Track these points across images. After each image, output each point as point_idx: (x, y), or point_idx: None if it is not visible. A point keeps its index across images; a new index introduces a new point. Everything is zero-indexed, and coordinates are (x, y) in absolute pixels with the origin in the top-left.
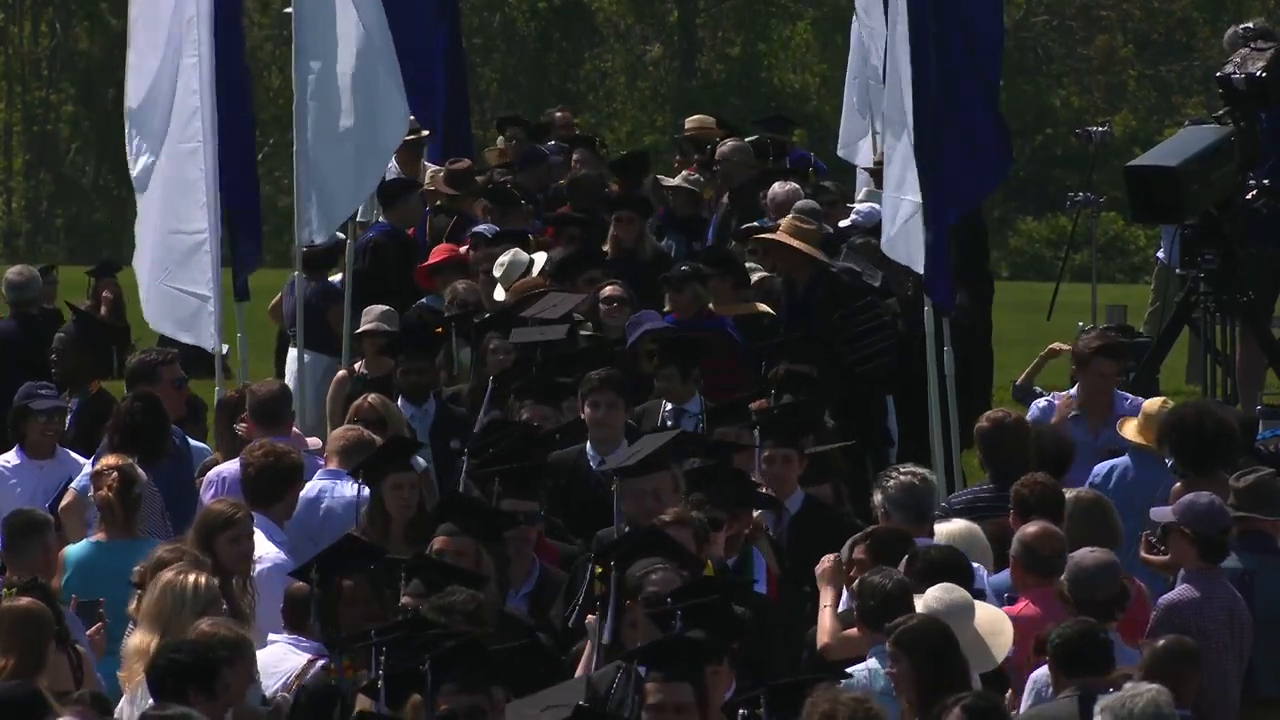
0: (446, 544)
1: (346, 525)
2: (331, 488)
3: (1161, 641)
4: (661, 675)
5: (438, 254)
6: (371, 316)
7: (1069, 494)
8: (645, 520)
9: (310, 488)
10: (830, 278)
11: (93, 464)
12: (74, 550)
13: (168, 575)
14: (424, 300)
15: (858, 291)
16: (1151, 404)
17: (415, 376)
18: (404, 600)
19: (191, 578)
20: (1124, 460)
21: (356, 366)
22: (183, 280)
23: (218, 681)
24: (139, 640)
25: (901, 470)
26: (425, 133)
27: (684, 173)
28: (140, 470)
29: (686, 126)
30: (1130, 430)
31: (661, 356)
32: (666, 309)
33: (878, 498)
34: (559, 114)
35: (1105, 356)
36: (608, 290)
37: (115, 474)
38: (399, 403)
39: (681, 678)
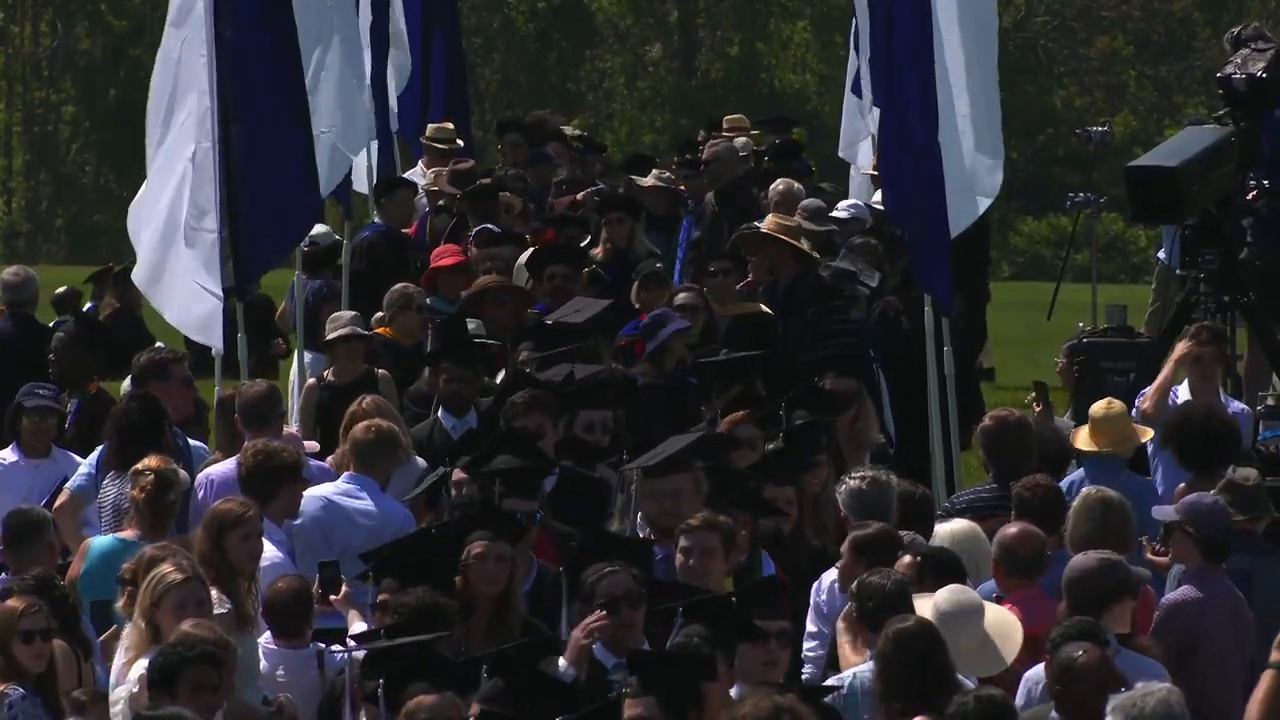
0: (487, 549)
1: (367, 534)
2: (354, 493)
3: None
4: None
5: (446, 257)
6: (342, 322)
7: (1084, 492)
8: (665, 521)
9: (332, 489)
10: (814, 276)
11: (95, 465)
12: (98, 543)
13: (150, 572)
14: (428, 300)
15: (838, 293)
16: (1097, 408)
17: (458, 386)
18: (381, 597)
19: (153, 572)
20: (1079, 473)
21: (326, 374)
22: (204, 278)
23: (180, 682)
24: (126, 638)
25: (852, 475)
26: (460, 142)
27: (655, 172)
28: (183, 475)
29: (725, 125)
30: (1082, 439)
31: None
32: (636, 306)
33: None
34: (550, 116)
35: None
36: (681, 297)
37: (151, 476)
38: (439, 414)
39: (649, 693)
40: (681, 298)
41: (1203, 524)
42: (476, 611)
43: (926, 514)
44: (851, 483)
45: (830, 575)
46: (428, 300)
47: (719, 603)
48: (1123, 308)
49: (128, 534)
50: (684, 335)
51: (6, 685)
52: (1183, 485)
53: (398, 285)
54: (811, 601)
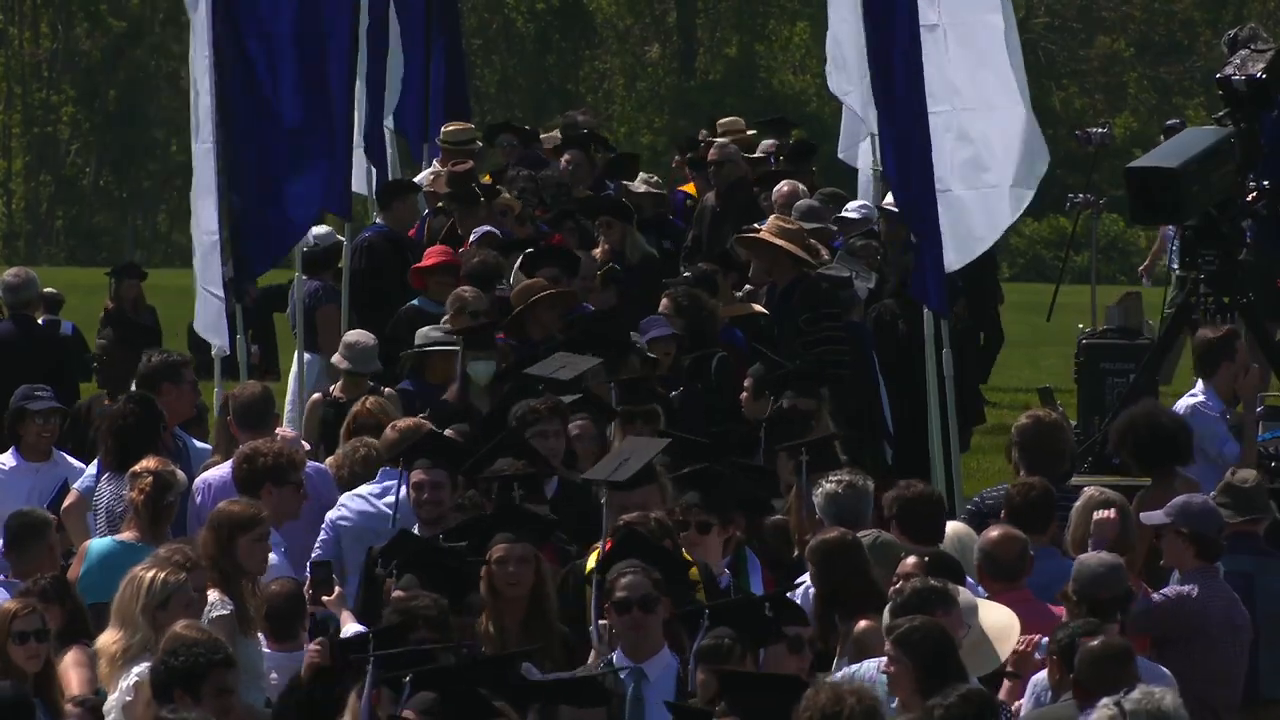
0: (507, 551)
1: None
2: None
3: (1094, 643)
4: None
5: (431, 256)
6: (347, 352)
7: (1086, 494)
8: None
9: (368, 489)
10: (808, 281)
11: (97, 467)
12: (97, 544)
13: (133, 571)
14: (414, 302)
15: (831, 298)
16: None
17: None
18: (395, 593)
19: (149, 574)
20: None
21: (333, 389)
22: (207, 280)
23: (205, 686)
24: (105, 639)
25: (829, 479)
26: (479, 144)
27: (642, 175)
28: (181, 476)
29: (720, 130)
30: None
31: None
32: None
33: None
34: (581, 116)
35: None
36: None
37: (150, 478)
38: None
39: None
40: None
41: (1195, 524)
42: (507, 614)
43: (938, 516)
44: (827, 487)
45: (807, 580)
46: (414, 302)
47: (746, 605)
48: (1123, 309)
49: (126, 536)
50: (660, 344)
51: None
52: (1151, 488)
53: (456, 289)
54: None
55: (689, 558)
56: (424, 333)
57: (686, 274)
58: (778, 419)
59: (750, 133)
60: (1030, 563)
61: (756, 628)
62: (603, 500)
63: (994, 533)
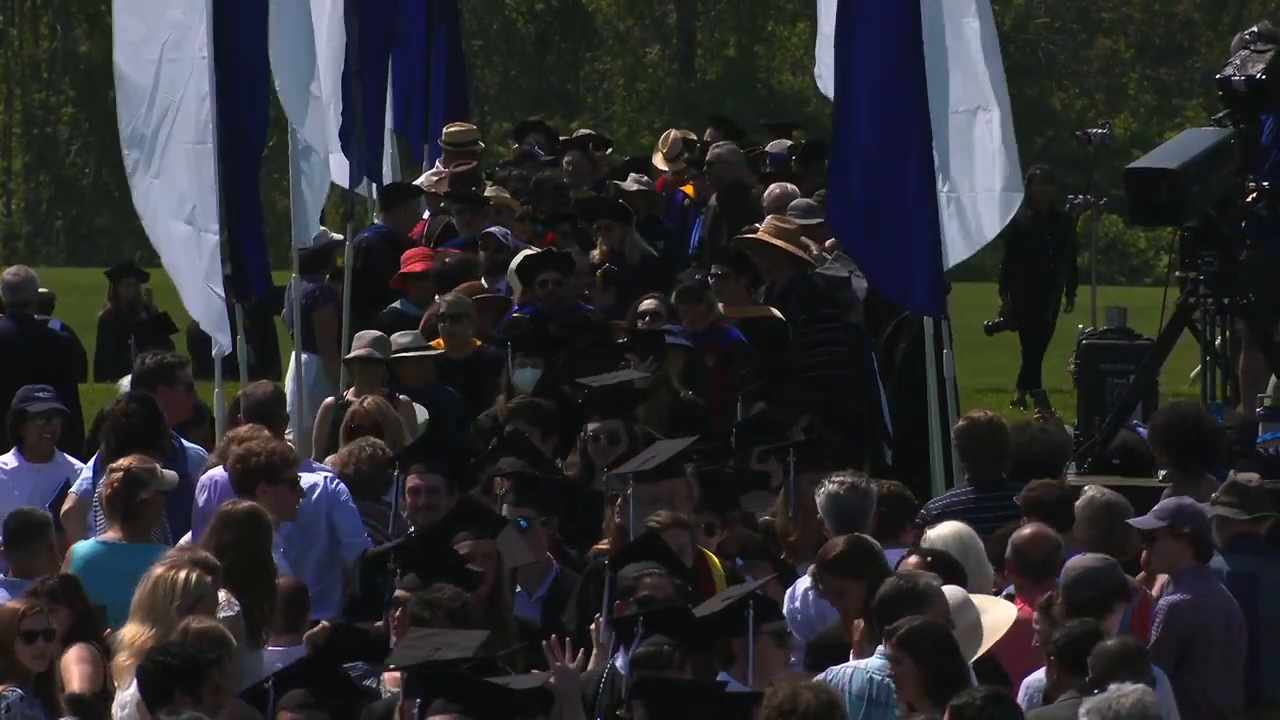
0: (473, 549)
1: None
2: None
3: (1110, 642)
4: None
5: (411, 259)
6: (363, 342)
7: (1089, 495)
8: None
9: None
10: (805, 281)
11: (93, 467)
12: (81, 548)
13: (159, 570)
14: (395, 304)
15: (828, 299)
16: None
17: None
18: (398, 593)
19: (183, 573)
20: None
21: (346, 394)
22: (212, 280)
23: (205, 684)
24: (130, 632)
25: (831, 480)
26: (481, 145)
27: (632, 174)
28: (168, 475)
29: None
30: None
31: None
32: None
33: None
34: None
35: None
36: (645, 304)
37: (120, 474)
38: None
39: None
40: (646, 304)
41: (1195, 525)
42: None
43: (896, 516)
44: (830, 487)
45: (803, 583)
46: (395, 304)
47: (679, 613)
48: (1122, 309)
49: (109, 536)
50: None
51: (5, 687)
52: (1165, 494)
53: (446, 295)
54: (785, 609)
55: (714, 557)
56: (395, 339)
57: (699, 277)
58: (750, 424)
59: (691, 138)
60: (1060, 564)
61: (694, 634)
62: (628, 492)
63: (1026, 530)
